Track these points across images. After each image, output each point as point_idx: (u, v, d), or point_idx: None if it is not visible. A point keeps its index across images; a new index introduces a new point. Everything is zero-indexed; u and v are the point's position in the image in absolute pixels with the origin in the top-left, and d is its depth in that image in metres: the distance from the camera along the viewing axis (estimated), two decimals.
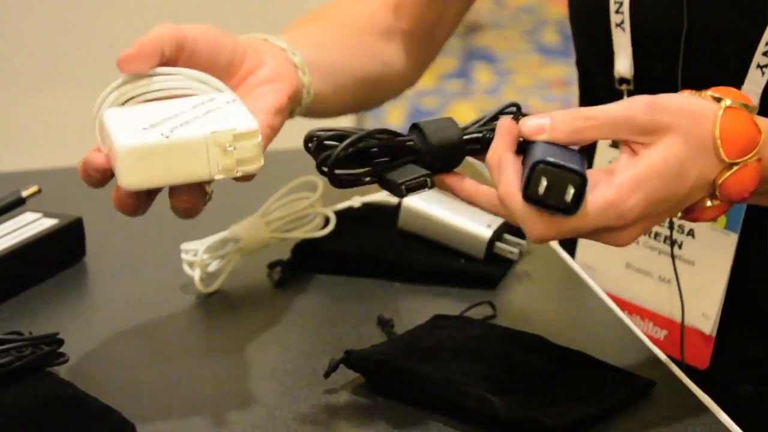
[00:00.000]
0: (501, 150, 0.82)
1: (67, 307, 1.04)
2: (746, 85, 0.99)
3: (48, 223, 1.09)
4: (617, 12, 1.04)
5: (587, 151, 1.13)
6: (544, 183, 0.78)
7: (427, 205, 1.08)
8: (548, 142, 0.81)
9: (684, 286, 1.05)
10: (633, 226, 0.82)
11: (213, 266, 1.05)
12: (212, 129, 0.85)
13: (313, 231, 1.08)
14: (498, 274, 1.06)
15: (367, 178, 0.85)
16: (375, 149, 0.84)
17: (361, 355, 0.90)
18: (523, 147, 0.83)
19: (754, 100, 0.99)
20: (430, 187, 0.85)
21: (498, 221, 1.07)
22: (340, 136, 0.84)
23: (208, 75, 0.93)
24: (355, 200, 1.14)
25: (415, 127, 0.86)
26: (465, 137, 0.85)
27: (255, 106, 0.93)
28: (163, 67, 0.92)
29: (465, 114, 3.72)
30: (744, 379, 1.06)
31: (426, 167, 0.85)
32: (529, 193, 0.79)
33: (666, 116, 0.82)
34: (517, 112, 0.86)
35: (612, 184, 0.80)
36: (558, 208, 0.79)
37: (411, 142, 0.85)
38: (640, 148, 0.82)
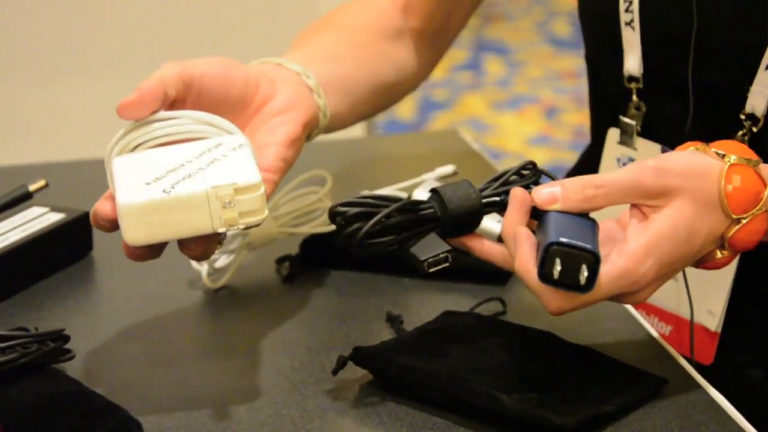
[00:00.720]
0: (514, 223, 0.85)
1: (73, 303, 1.03)
2: (755, 87, 0.99)
3: (55, 217, 1.08)
4: (627, 11, 1.04)
5: (596, 150, 1.13)
6: (558, 265, 0.81)
7: None
8: (561, 212, 0.84)
9: (690, 283, 1.04)
10: (647, 288, 0.84)
11: (221, 261, 1.05)
12: (213, 184, 0.85)
13: (322, 226, 1.07)
14: (508, 270, 1.05)
15: (392, 247, 0.88)
16: (397, 222, 0.87)
17: (370, 352, 0.89)
18: (538, 213, 0.86)
19: (762, 103, 0.99)
20: (450, 262, 0.88)
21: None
22: (366, 213, 0.86)
23: (214, 116, 0.92)
24: (364, 194, 1.13)
25: (434, 193, 0.88)
26: (483, 200, 0.88)
27: (269, 138, 0.93)
28: (168, 111, 0.91)
29: (475, 106, 3.71)
30: (753, 365, 1.06)
31: (446, 233, 0.88)
32: (544, 274, 0.82)
33: (673, 179, 0.84)
34: (533, 170, 0.89)
35: (624, 252, 0.83)
36: (573, 287, 0.82)
37: (431, 210, 0.88)
38: (650, 212, 0.84)
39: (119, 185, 0.87)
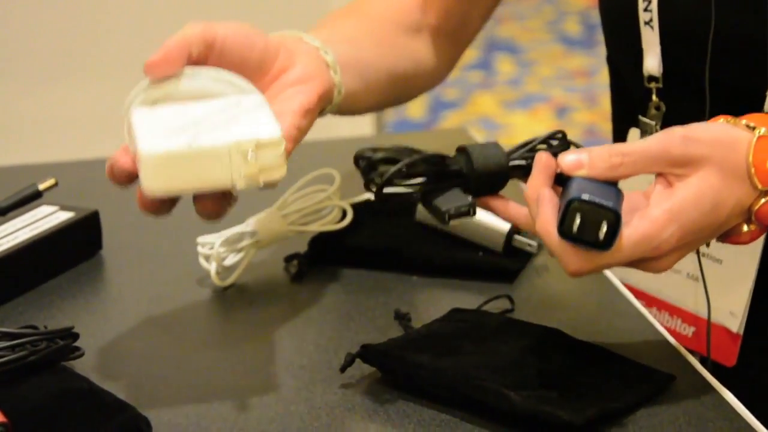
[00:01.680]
0: (538, 185, 0.85)
1: (83, 301, 1.03)
2: None
3: (64, 216, 1.08)
4: (646, 10, 1.04)
5: (621, 136, 1.13)
6: (578, 220, 0.81)
7: None
8: (586, 178, 0.83)
9: (711, 284, 1.04)
10: (669, 255, 0.84)
11: (229, 260, 1.05)
12: (236, 137, 0.85)
13: (331, 224, 1.08)
14: (516, 268, 1.05)
15: (414, 197, 0.88)
16: (422, 172, 0.87)
17: (378, 350, 0.89)
18: (563, 179, 0.85)
19: None
20: (473, 215, 0.88)
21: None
22: (391, 158, 0.86)
23: (235, 75, 0.93)
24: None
25: (461, 151, 0.88)
26: (510, 164, 0.88)
27: (284, 106, 0.93)
28: (191, 66, 0.92)
29: (486, 105, 3.71)
30: None
31: (471, 191, 0.88)
32: (564, 230, 0.82)
33: (700, 148, 0.83)
34: (562, 138, 0.89)
35: (647, 216, 0.82)
36: (592, 244, 0.81)
37: (457, 167, 0.87)
38: (676, 180, 0.84)
39: (140, 135, 0.86)
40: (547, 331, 0.93)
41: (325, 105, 1.00)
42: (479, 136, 1.39)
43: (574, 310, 1.01)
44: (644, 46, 1.06)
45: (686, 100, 1.05)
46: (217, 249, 1.03)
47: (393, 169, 0.86)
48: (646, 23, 1.04)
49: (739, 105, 1.00)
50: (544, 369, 0.88)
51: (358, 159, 0.87)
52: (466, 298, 1.01)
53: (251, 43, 0.95)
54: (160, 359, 0.95)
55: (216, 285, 1.04)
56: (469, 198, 0.88)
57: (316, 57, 1.00)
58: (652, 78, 1.06)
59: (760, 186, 0.84)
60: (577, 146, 0.89)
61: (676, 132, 0.84)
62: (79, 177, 1.22)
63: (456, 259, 1.05)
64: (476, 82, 3.89)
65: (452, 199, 0.88)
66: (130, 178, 0.89)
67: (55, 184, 1.10)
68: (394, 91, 1.14)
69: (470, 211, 0.88)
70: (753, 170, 0.84)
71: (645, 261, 0.84)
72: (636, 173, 0.84)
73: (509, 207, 0.89)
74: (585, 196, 0.81)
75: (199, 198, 0.88)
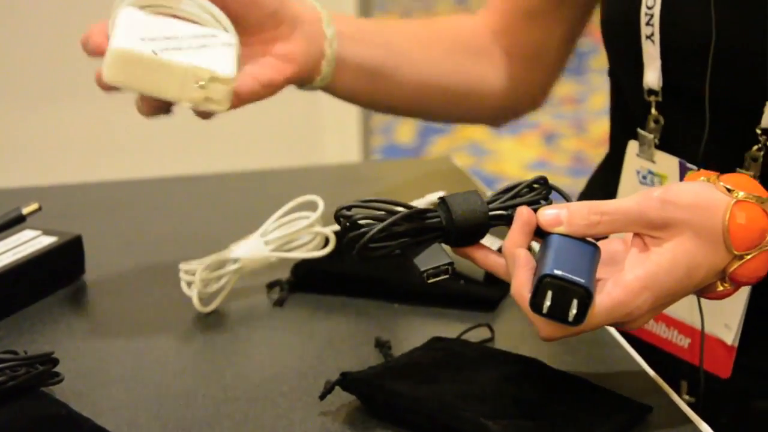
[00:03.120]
0: (516, 244, 0.86)
1: (64, 326, 1.03)
2: None
3: (47, 240, 1.09)
4: (647, 24, 1.05)
5: (613, 159, 1.13)
6: (548, 299, 0.82)
7: None
8: (563, 241, 0.84)
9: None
10: (642, 317, 0.85)
11: (212, 286, 1.05)
12: (195, 63, 0.97)
13: (313, 251, 1.08)
14: (497, 297, 1.05)
15: (395, 253, 0.89)
16: (403, 230, 0.88)
17: (357, 377, 0.90)
18: (542, 233, 0.86)
19: None
20: (451, 274, 0.89)
21: (498, 242, 1.07)
22: (371, 218, 0.88)
23: (218, 9, 1.03)
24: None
25: (441, 201, 0.89)
26: (490, 213, 0.88)
27: (253, 69, 1.03)
28: None
29: (475, 131, 3.72)
30: (760, 394, 1.06)
31: (450, 243, 0.89)
32: (535, 304, 0.82)
33: (677, 212, 0.84)
34: (543, 185, 0.89)
35: (620, 283, 0.83)
36: (562, 321, 0.82)
37: (437, 220, 0.88)
38: (651, 243, 0.84)
39: (118, 30, 0.99)
40: (525, 360, 0.93)
41: (304, 83, 1.09)
42: (466, 162, 1.40)
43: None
44: (645, 59, 1.06)
45: (685, 114, 1.06)
46: (199, 275, 1.04)
47: (374, 230, 0.87)
48: (648, 37, 1.05)
49: (737, 120, 1.01)
50: (522, 398, 0.88)
51: (339, 217, 0.88)
52: (447, 326, 1.01)
53: (262, 2, 1.03)
54: (140, 385, 0.95)
55: (198, 311, 1.04)
56: (447, 258, 0.88)
57: (316, 29, 1.07)
58: (651, 92, 1.07)
59: (735, 251, 0.85)
60: (561, 193, 0.89)
61: (654, 195, 0.85)
62: (62, 201, 1.22)
63: (437, 288, 1.05)
64: None
65: (431, 257, 0.88)
66: (96, 53, 1.00)
67: (39, 209, 1.10)
68: (433, 103, 1.17)
69: (448, 271, 0.88)
70: (729, 235, 0.84)
71: (617, 324, 0.85)
72: (613, 232, 0.85)
73: (488, 258, 0.89)
74: (557, 272, 0.81)
75: (144, 98, 1.00)
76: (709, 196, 0.85)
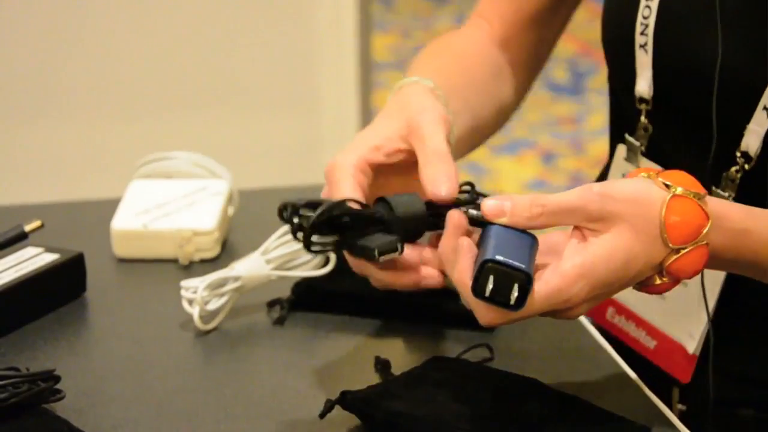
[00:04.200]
0: (450, 245, 0.88)
1: (65, 343, 1.04)
2: (751, 125, 1.01)
3: (49, 258, 1.09)
4: (642, 33, 1.06)
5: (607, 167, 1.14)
6: (490, 283, 0.83)
7: None
8: (501, 231, 0.86)
9: (675, 305, 1.06)
10: (579, 306, 0.87)
11: (212, 304, 1.05)
12: (178, 226, 1.16)
13: (314, 269, 1.09)
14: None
15: (338, 244, 0.92)
16: (345, 219, 0.90)
17: (357, 396, 0.90)
18: (481, 222, 0.88)
19: (756, 142, 1.00)
20: (401, 252, 0.91)
21: None
22: (313, 204, 0.90)
23: (212, 162, 1.21)
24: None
25: (381, 200, 0.92)
26: (429, 211, 0.92)
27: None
28: (178, 152, 1.23)
29: (476, 150, 3.73)
30: (746, 402, 1.07)
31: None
32: (477, 290, 0.84)
33: (616, 205, 0.86)
34: (471, 190, 0.93)
35: (558, 270, 0.85)
36: (504, 305, 0.84)
37: (379, 214, 0.91)
38: (590, 235, 0.86)
39: (120, 209, 1.19)
40: (524, 380, 0.94)
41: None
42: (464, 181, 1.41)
43: (553, 359, 1.02)
44: (637, 68, 1.07)
45: (673, 125, 1.07)
46: (200, 293, 1.04)
47: (318, 211, 0.89)
48: (641, 46, 1.06)
49: (720, 138, 1.02)
50: (520, 418, 0.88)
51: (281, 210, 0.90)
52: (447, 346, 1.02)
53: (393, 150, 0.98)
54: (140, 402, 0.95)
55: (198, 328, 1.05)
56: (395, 236, 0.91)
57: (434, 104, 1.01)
58: (642, 100, 1.08)
59: (671, 244, 0.86)
60: (486, 196, 0.91)
61: (594, 189, 0.87)
62: (64, 219, 1.23)
63: (438, 308, 1.06)
64: None
65: (378, 238, 0.91)
66: None
67: (41, 226, 1.11)
68: (478, 140, 1.16)
69: (398, 248, 0.91)
70: (665, 229, 0.86)
71: (556, 312, 0.87)
72: (553, 225, 0.87)
73: (423, 251, 0.92)
74: (499, 257, 0.83)
75: None
76: (647, 191, 0.87)
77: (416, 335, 1.05)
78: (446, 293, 1.07)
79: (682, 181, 0.88)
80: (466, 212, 0.90)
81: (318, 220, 0.89)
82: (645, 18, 1.06)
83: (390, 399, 0.90)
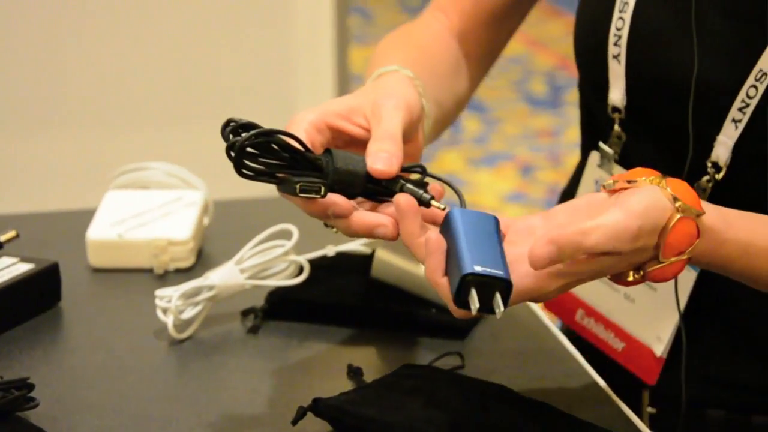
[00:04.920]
0: (412, 233, 0.88)
1: (41, 352, 1.04)
2: (721, 137, 1.02)
3: (24, 267, 1.10)
4: (615, 44, 1.07)
5: (582, 168, 1.15)
6: (474, 295, 0.83)
7: (400, 256, 1.10)
8: (466, 223, 0.86)
9: (644, 308, 1.07)
10: (552, 293, 0.86)
11: (187, 313, 1.06)
12: (153, 236, 1.17)
13: (287, 279, 1.09)
14: (468, 325, 1.07)
15: (271, 173, 0.90)
16: (285, 155, 0.89)
17: (329, 403, 0.91)
18: (422, 201, 0.89)
19: (726, 153, 1.02)
20: (323, 195, 0.90)
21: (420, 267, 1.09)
22: (254, 126, 0.88)
23: (187, 173, 1.24)
24: (329, 249, 1.15)
25: (327, 152, 0.92)
26: (368, 178, 0.91)
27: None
28: (156, 162, 1.25)
29: (452, 162, 3.74)
30: (715, 403, 1.08)
31: (327, 185, 0.90)
32: (460, 301, 0.84)
33: (636, 221, 0.85)
34: (422, 172, 0.93)
35: (531, 272, 0.84)
36: (486, 311, 0.84)
37: (318, 160, 0.90)
38: None
39: (96, 219, 1.20)
40: (494, 387, 0.95)
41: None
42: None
43: (523, 367, 1.03)
44: (610, 78, 1.09)
45: (646, 134, 1.08)
46: (174, 302, 1.05)
47: (251, 132, 0.88)
48: (614, 57, 1.08)
49: (692, 148, 1.03)
50: (490, 424, 0.89)
51: (224, 126, 0.89)
52: (418, 354, 1.03)
53: (353, 122, 0.97)
54: (115, 410, 0.96)
55: (173, 337, 1.05)
56: (323, 180, 0.90)
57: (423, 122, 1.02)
58: (615, 109, 1.09)
59: (662, 258, 0.87)
60: (438, 179, 0.92)
61: (633, 207, 0.86)
62: (40, 229, 1.24)
63: (409, 316, 1.07)
64: (442, 139, 3.92)
65: (304, 178, 0.90)
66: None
67: (16, 236, 1.12)
68: (439, 128, 1.15)
69: (321, 190, 0.90)
70: (663, 245, 0.86)
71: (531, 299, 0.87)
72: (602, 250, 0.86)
73: (364, 216, 0.91)
74: (477, 269, 0.83)
75: None
76: (659, 204, 0.87)
77: (388, 343, 1.06)
78: (418, 302, 1.09)
79: (686, 196, 0.88)
80: (406, 186, 0.90)
81: (249, 141, 0.88)
82: (618, 29, 1.07)
83: (361, 406, 0.91)
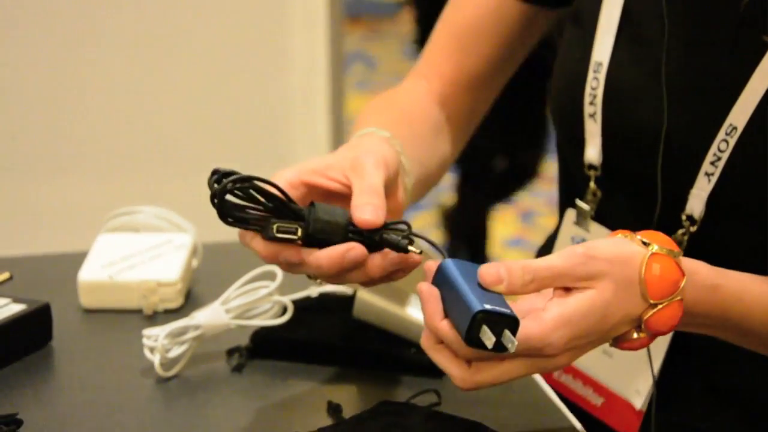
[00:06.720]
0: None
1: (31, 390, 1.07)
2: (694, 190, 1.05)
3: (16, 308, 1.13)
4: (591, 104, 1.10)
5: (555, 229, 1.18)
6: (488, 330, 0.86)
7: (381, 297, 1.13)
8: (461, 270, 0.89)
9: (622, 362, 1.10)
10: (562, 355, 0.89)
11: (173, 352, 1.09)
12: (143, 278, 1.20)
13: (271, 318, 1.12)
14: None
15: (254, 220, 0.93)
16: (270, 204, 0.93)
17: None
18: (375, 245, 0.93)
19: (700, 206, 1.05)
20: (299, 239, 0.94)
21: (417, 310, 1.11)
22: (237, 173, 0.92)
23: (177, 216, 1.28)
24: (313, 290, 1.18)
25: (311, 204, 0.95)
26: (349, 228, 0.95)
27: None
28: (146, 206, 1.29)
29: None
30: None
31: (306, 235, 0.94)
32: (471, 339, 0.87)
33: (599, 265, 0.90)
34: (408, 230, 0.95)
35: (538, 318, 0.88)
36: (497, 349, 0.87)
37: (301, 210, 0.94)
38: (575, 291, 0.90)
39: (88, 261, 1.23)
40: (470, 424, 0.97)
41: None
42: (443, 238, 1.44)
43: (498, 405, 1.05)
44: (587, 136, 1.12)
45: (622, 191, 1.12)
46: (161, 341, 1.08)
47: (232, 177, 0.91)
48: (590, 116, 1.11)
49: (666, 203, 1.06)
50: None
51: (211, 175, 0.92)
52: (396, 391, 1.05)
53: (331, 177, 1.01)
54: None
55: (159, 375, 1.08)
56: (298, 222, 0.94)
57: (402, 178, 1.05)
58: (591, 166, 1.12)
59: (650, 299, 0.90)
60: (422, 237, 0.95)
61: (578, 250, 0.90)
62: (33, 271, 1.27)
63: (388, 355, 1.10)
64: (445, 184, 3.95)
65: (284, 222, 0.93)
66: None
67: (10, 278, 1.15)
68: (423, 188, 1.18)
69: (298, 232, 0.94)
70: (645, 284, 0.90)
71: (538, 359, 0.89)
72: (545, 288, 0.90)
73: (326, 250, 0.94)
74: (487, 306, 0.87)
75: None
76: (628, 249, 0.91)
77: (368, 381, 1.09)
78: (398, 341, 1.11)
79: (659, 240, 0.92)
80: (385, 235, 0.94)
81: (229, 187, 0.91)
82: (593, 89, 1.10)
83: None
